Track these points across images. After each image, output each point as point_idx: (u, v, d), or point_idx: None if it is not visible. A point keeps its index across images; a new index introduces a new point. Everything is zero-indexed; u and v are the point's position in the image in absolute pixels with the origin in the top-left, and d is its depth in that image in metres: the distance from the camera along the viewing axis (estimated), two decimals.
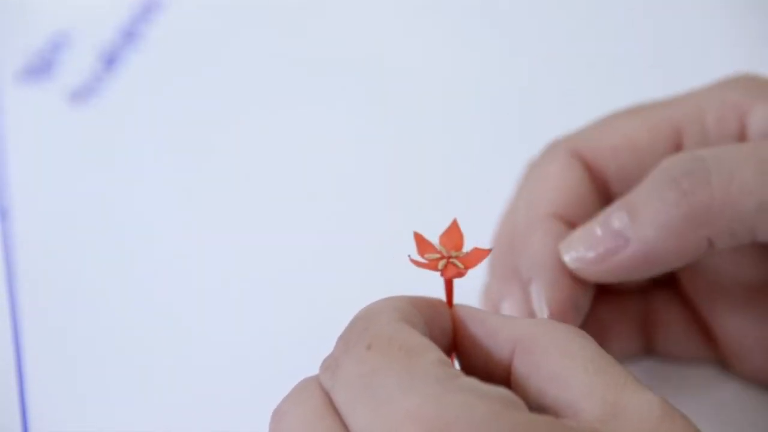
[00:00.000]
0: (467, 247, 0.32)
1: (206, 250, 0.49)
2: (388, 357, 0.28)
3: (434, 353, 0.28)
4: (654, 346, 0.40)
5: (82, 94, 0.55)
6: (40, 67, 0.56)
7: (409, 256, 0.31)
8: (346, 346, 0.29)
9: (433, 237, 0.32)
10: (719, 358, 0.40)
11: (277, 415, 0.30)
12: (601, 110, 0.40)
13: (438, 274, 0.32)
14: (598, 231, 0.34)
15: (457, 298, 0.32)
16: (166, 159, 0.53)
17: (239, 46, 0.57)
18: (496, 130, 0.53)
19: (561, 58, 0.55)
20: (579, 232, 0.35)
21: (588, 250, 0.35)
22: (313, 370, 0.30)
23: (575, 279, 0.35)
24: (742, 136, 0.36)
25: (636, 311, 0.40)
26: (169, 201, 0.51)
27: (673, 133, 0.37)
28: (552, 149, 0.39)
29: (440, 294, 0.32)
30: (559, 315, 0.35)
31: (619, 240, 0.34)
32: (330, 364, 0.30)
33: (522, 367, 0.30)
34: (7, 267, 0.48)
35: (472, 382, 0.28)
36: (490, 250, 0.31)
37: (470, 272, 0.31)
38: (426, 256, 0.31)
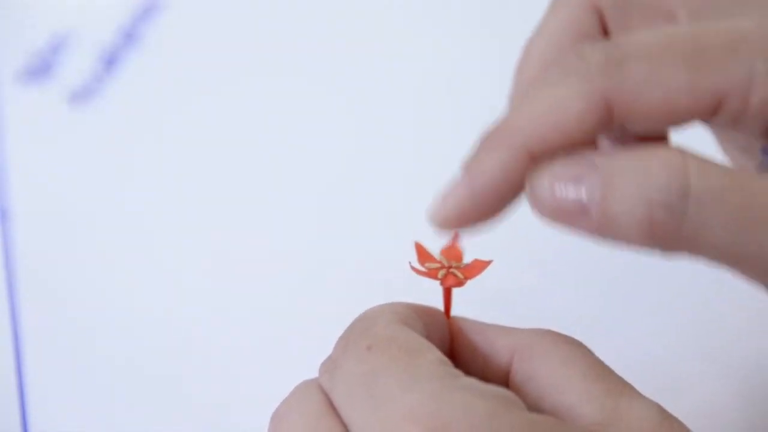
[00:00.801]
0: (467, 260, 0.32)
1: (207, 250, 0.49)
2: (388, 357, 0.28)
3: (434, 353, 0.28)
4: None
5: (82, 95, 0.56)
6: (40, 68, 0.56)
7: (410, 263, 0.32)
8: (346, 347, 0.29)
9: (434, 250, 0.32)
10: None
11: (276, 417, 0.30)
12: None
13: (438, 283, 0.32)
14: (564, 193, 0.29)
15: (455, 310, 0.32)
16: (165, 159, 0.53)
17: (239, 47, 0.57)
18: None
19: None
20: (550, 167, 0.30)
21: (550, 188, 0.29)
22: (313, 373, 0.30)
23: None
24: None
25: None
26: (169, 201, 0.51)
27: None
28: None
29: (439, 304, 0.32)
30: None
31: (580, 209, 0.29)
32: (329, 365, 0.30)
33: (521, 374, 0.30)
34: (7, 267, 0.48)
35: (473, 381, 0.28)
36: (490, 262, 0.32)
37: (469, 284, 0.32)
38: (426, 264, 0.32)
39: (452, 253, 0.32)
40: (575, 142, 0.30)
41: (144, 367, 0.45)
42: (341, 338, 0.30)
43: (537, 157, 0.30)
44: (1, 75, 0.56)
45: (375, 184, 0.51)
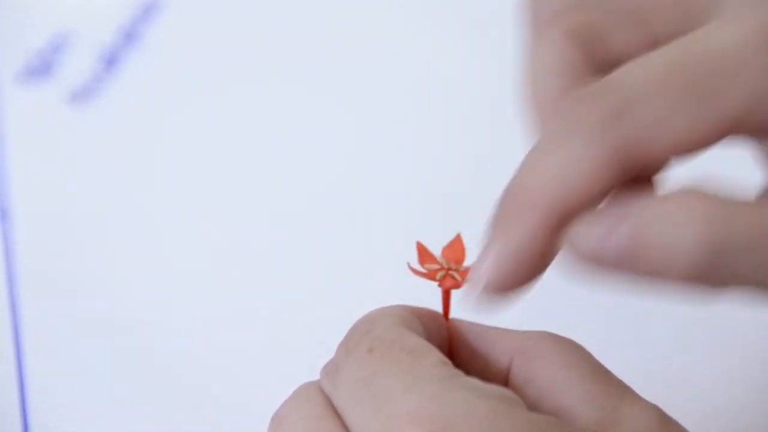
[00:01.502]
0: (469, 262, 0.32)
1: (208, 250, 0.49)
2: (390, 359, 0.28)
3: (435, 355, 0.29)
4: None
5: (82, 95, 0.56)
6: (41, 68, 0.56)
7: (408, 263, 0.32)
8: (347, 351, 0.29)
9: (436, 249, 0.32)
10: None
11: (277, 419, 0.30)
12: None
13: (436, 284, 0.32)
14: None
15: (454, 313, 0.32)
16: (166, 159, 0.53)
17: (239, 47, 0.57)
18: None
19: None
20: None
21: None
22: (313, 374, 0.30)
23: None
24: None
25: None
26: (169, 200, 0.51)
27: None
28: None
29: (438, 308, 0.32)
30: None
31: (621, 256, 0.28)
32: (331, 368, 0.30)
33: (520, 375, 0.30)
34: (7, 267, 0.48)
35: (474, 381, 0.28)
36: None
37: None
38: (426, 266, 0.32)
39: (454, 253, 0.32)
40: (597, 198, 0.29)
41: (144, 367, 0.45)
42: (343, 341, 0.30)
43: (565, 217, 0.29)
44: (1, 75, 0.56)
45: (375, 184, 0.51)
